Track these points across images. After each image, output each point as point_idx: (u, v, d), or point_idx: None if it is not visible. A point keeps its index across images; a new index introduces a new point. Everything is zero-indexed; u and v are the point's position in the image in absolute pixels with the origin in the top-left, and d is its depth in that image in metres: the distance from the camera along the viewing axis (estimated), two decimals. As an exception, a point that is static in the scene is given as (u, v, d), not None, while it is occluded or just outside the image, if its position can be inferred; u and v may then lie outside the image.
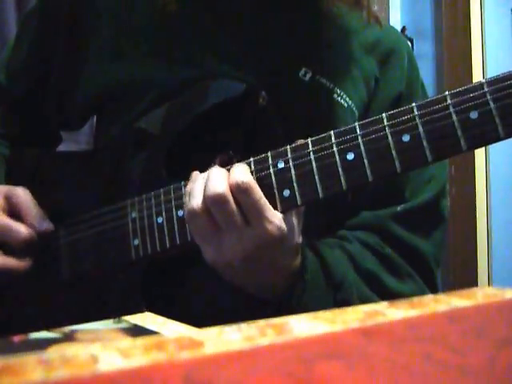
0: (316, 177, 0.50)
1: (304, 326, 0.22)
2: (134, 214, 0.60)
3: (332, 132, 0.50)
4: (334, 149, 0.50)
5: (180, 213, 0.57)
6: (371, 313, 0.24)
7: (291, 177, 0.51)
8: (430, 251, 0.67)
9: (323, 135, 0.51)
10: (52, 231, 0.64)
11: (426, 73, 2.15)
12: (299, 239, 0.54)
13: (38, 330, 0.38)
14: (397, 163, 0.47)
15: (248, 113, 0.61)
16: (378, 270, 0.63)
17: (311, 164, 0.50)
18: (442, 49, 2.18)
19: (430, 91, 2.10)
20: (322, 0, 0.68)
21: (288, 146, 0.52)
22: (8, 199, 0.64)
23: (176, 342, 0.19)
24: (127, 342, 0.19)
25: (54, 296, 0.67)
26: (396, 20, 2.21)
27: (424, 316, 0.24)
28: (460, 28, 2.15)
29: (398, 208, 0.66)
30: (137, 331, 0.39)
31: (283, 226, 0.50)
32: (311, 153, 0.51)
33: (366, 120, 0.49)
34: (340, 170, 0.49)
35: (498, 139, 0.45)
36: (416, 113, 0.47)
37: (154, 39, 0.66)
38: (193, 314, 0.60)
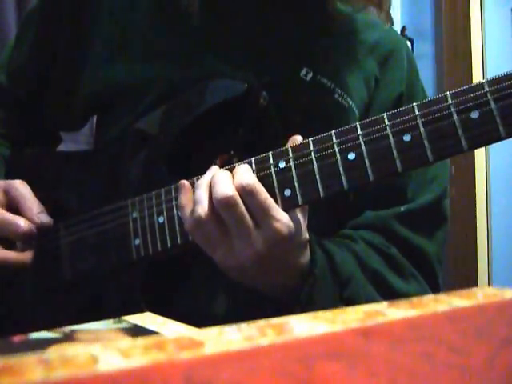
0: (317, 176, 0.50)
1: (304, 325, 0.22)
2: (134, 214, 0.60)
3: (333, 132, 0.50)
4: (335, 148, 0.50)
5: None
6: (371, 313, 0.24)
7: (292, 176, 0.51)
8: (434, 251, 0.67)
9: (324, 135, 0.51)
10: (51, 225, 0.63)
11: (426, 73, 2.15)
12: (306, 235, 0.54)
13: (38, 329, 0.38)
14: (398, 163, 0.47)
15: (249, 112, 0.61)
16: (383, 270, 0.63)
17: (312, 164, 0.50)
18: (442, 49, 2.18)
19: (430, 91, 2.10)
20: (324, 0, 0.68)
21: (289, 146, 0.52)
22: (6, 193, 0.64)
23: (176, 342, 0.19)
24: (127, 342, 0.19)
25: (55, 296, 0.67)
26: (396, 20, 2.21)
27: (424, 316, 0.24)
28: (460, 28, 2.15)
29: (402, 208, 0.66)
30: (137, 331, 0.39)
31: (291, 223, 0.50)
32: (312, 152, 0.51)
33: (367, 120, 0.50)
34: (341, 169, 0.49)
35: (499, 139, 0.45)
36: (417, 113, 0.47)
37: (154, 39, 0.66)
38: (193, 313, 0.60)
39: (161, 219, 0.58)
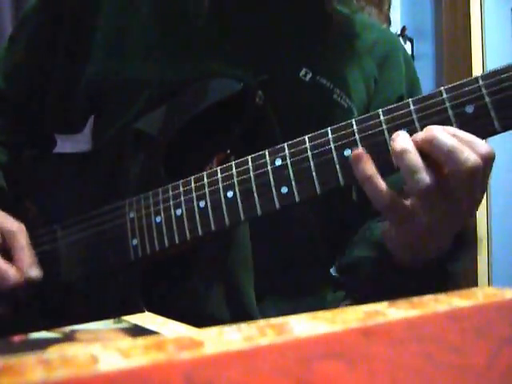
0: (313, 173, 0.50)
1: (304, 326, 0.22)
2: (132, 214, 0.60)
3: (329, 128, 0.50)
4: (331, 145, 0.50)
5: (178, 212, 0.56)
6: (371, 313, 0.24)
7: (289, 174, 0.51)
8: None
9: (320, 132, 0.51)
10: (40, 278, 0.62)
11: (426, 73, 2.15)
12: None
13: (38, 330, 0.38)
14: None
15: (245, 112, 0.61)
16: None
17: (308, 161, 0.50)
18: (442, 49, 2.18)
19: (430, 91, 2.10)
20: (326, 1, 0.68)
21: (285, 143, 0.52)
22: (3, 237, 0.62)
23: (176, 342, 0.19)
24: (127, 342, 0.19)
25: (53, 296, 0.67)
26: (396, 20, 2.21)
27: (424, 316, 0.24)
28: (460, 28, 2.15)
29: None
30: (137, 331, 0.39)
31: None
32: (308, 149, 0.51)
33: (363, 116, 0.50)
34: (337, 166, 0.49)
35: (494, 132, 0.46)
36: (412, 108, 0.47)
37: (152, 39, 0.66)
38: (193, 313, 0.60)
39: (158, 219, 0.58)
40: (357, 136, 0.49)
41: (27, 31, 0.73)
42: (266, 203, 0.52)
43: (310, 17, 0.69)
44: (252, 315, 0.60)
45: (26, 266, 0.61)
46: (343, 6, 0.70)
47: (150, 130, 0.63)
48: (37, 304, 0.68)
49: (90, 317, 0.43)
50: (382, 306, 0.25)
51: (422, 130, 0.47)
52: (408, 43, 2.20)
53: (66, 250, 0.66)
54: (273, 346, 0.19)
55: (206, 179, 0.55)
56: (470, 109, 0.46)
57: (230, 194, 0.54)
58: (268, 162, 0.52)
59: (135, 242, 0.59)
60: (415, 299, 0.26)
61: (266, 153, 0.52)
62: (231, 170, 0.54)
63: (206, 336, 0.20)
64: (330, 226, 0.70)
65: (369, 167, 0.47)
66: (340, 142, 0.49)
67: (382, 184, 0.47)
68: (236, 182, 0.53)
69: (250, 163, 0.53)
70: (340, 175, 0.49)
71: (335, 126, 0.50)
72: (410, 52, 2.14)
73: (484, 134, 0.46)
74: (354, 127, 0.49)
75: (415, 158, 0.45)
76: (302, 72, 0.65)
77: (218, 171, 0.55)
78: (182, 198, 0.56)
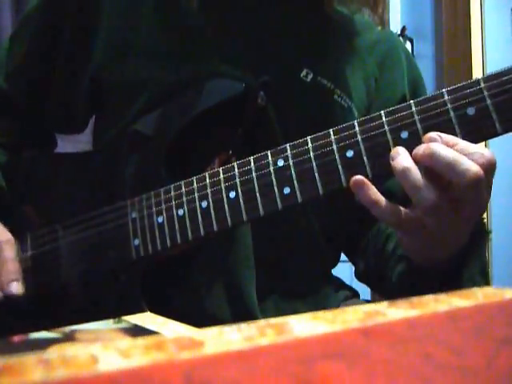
0: (316, 174, 0.50)
1: (304, 325, 0.22)
2: (133, 214, 0.60)
3: (331, 130, 0.51)
4: (334, 146, 0.50)
5: (180, 212, 0.56)
6: (371, 313, 0.24)
7: (291, 174, 0.51)
8: None
9: (322, 133, 0.51)
10: (20, 295, 0.62)
11: (426, 73, 2.15)
12: None
13: (38, 330, 0.38)
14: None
15: (247, 112, 0.61)
16: None
17: (311, 161, 0.51)
18: (442, 49, 2.18)
19: (430, 91, 2.10)
20: (325, 2, 0.68)
21: (287, 144, 0.52)
22: None
23: (176, 342, 0.19)
24: (127, 342, 0.19)
25: (54, 296, 0.67)
26: (396, 20, 2.22)
27: (424, 316, 0.24)
28: (460, 28, 2.15)
29: None
30: (137, 331, 0.39)
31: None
32: (311, 150, 0.51)
33: (365, 117, 0.50)
34: (339, 167, 0.50)
35: (495, 134, 0.46)
36: (414, 109, 0.48)
37: (153, 39, 0.66)
38: (193, 313, 0.60)
39: (160, 219, 0.58)
40: (359, 137, 0.49)
41: (29, 31, 0.73)
42: (269, 204, 0.52)
43: (310, 17, 0.69)
44: (253, 315, 0.60)
45: (7, 281, 0.61)
46: (343, 6, 0.70)
47: (148, 132, 0.63)
48: (37, 304, 0.68)
49: (91, 316, 0.43)
50: (381, 306, 0.25)
51: (423, 131, 0.47)
52: (408, 43, 2.20)
53: (67, 250, 0.66)
54: (273, 346, 0.19)
55: (208, 179, 0.55)
56: (471, 111, 0.46)
57: (232, 194, 0.54)
58: (270, 162, 0.52)
59: (137, 241, 0.59)
60: (415, 299, 0.26)
61: (269, 153, 0.53)
62: (233, 170, 0.54)
63: (206, 336, 0.20)
64: (331, 226, 0.70)
65: (372, 193, 0.48)
66: (342, 143, 0.50)
67: (388, 206, 0.48)
68: (238, 183, 0.54)
69: (252, 164, 0.53)
70: (342, 176, 0.49)
71: (337, 128, 0.50)
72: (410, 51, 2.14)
73: (485, 136, 0.47)
74: (357, 128, 0.49)
75: (417, 177, 0.46)
76: (303, 73, 0.65)
77: (221, 172, 0.55)
78: (185, 198, 0.56)
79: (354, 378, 0.17)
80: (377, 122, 0.49)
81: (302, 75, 0.65)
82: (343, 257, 0.78)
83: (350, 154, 0.49)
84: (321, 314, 0.24)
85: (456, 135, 0.46)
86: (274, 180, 0.52)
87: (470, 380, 0.18)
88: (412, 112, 0.48)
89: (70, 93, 0.72)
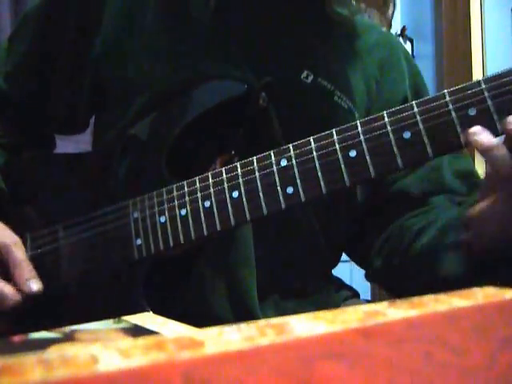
0: (319, 173, 0.51)
1: (304, 325, 0.22)
2: (136, 214, 0.60)
3: (334, 130, 0.51)
4: (336, 146, 0.50)
5: (183, 212, 0.57)
6: (371, 313, 0.24)
7: (294, 174, 0.51)
8: None
9: (325, 133, 0.51)
10: (41, 291, 0.60)
11: (426, 73, 2.15)
12: None
13: (38, 330, 0.38)
14: (398, 159, 0.48)
15: (249, 113, 0.61)
16: None
17: (314, 161, 0.51)
18: (442, 49, 2.18)
19: (430, 91, 2.10)
20: (326, 3, 0.68)
21: (290, 145, 0.52)
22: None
23: (176, 342, 0.19)
24: (127, 342, 0.19)
25: (56, 297, 0.67)
26: (396, 20, 2.21)
27: (424, 316, 0.24)
28: (460, 28, 2.15)
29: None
30: (137, 331, 0.39)
31: None
32: (314, 150, 0.51)
33: (367, 118, 0.50)
34: (342, 166, 0.50)
35: (496, 135, 0.46)
36: (416, 110, 0.48)
37: (155, 39, 0.66)
38: (193, 313, 0.60)
39: (162, 219, 0.58)
40: (362, 137, 0.49)
41: (29, 31, 0.73)
42: (272, 203, 0.52)
43: (310, 19, 0.69)
44: (255, 314, 0.60)
45: (25, 280, 0.60)
46: (343, 7, 0.70)
47: (143, 136, 0.63)
48: (38, 304, 0.68)
49: (92, 317, 0.43)
50: (381, 306, 0.25)
51: (426, 131, 0.47)
52: (408, 43, 2.20)
53: (68, 250, 0.66)
54: (273, 346, 0.19)
55: (211, 179, 0.56)
56: (472, 112, 0.46)
57: (235, 194, 0.54)
58: (273, 162, 0.52)
59: (139, 241, 0.60)
60: (415, 299, 0.26)
61: (272, 153, 0.53)
62: (236, 170, 0.54)
63: (206, 336, 0.20)
64: (332, 226, 0.70)
65: (490, 137, 0.46)
66: (345, 143, 0.50)
67: (505, 152, 0.47)
68: (241, 182, 0.54)
69: (255, 164, 0.53)
70: (346, 175, 0.50)
71: (340, 128, 0.51)
72: (409, 52, 2.14)
73: None
74: (359, 128, 0.50)
75: (504, 152, 0.46)
76: (304, 74, 0.65)
77: (223, 171, 0.55)
78: (187, 198, 0.57)
79: (354, 378, 0.17)
80: (379, 123, 0.49)
81: (302, 76, 0.65)
82: (343, 257, 0.78)
83: (352, 153, 0.50)
84: (321, 313, 0.24)
85: (458, 136, 0.47)
86: (277, 180, 0.52)
87: (470, 380, 0.18)
88: (414, 112, 0.48)
89: (71, 93, 0.72)
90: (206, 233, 0.55)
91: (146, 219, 0.59)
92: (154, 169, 0.61)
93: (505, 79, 0.46)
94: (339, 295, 0.73)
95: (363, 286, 0.78)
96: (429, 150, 0.48)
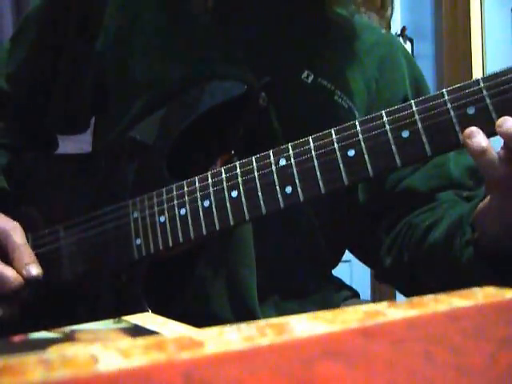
0: (317, 173, 0.51)
1: (304, 326, 0.22)
2: (135, 214, 0.60)
3: (332, 129, 0.51)
4: (335, 145, 0.50)
5: (182, 211, 0.57)
6: (371, 313, 0.24)
7: (293, 173, 0.51)
8: None
9: (324, 132, 0.51)
10: (40, 276, 0.60)
11: (426, 73, 2.14)
12: None
13: (38, 330, 0.38)
14: (397, 158, 0.48)
15: (249, 113, 0.61)
16: None
17: (313, 161, 0.51)
18: (442, 49, 2.18)
19: (431, 91, 2.10)
20: (325, 3, 0.68)
21: (289, 144, 0.52)
22: None
23: (176, 342, 0.19)
24: (127, 342, 0.19)
25: (56, 296, 0.67)
26: (396, 20, 2.21)
27: (424, 316, 0.24)
28: (460, 28, 2.15)
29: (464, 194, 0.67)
30: (137, 331, 0.39)
31: None
32: (312, 149, 0.51)
33: (366, 117, 0.50)
34: (341, 166, 0.50)
35: (495, 134, 0.46)
36: (414, 109, 0.48)
37: (156, 39, 0.67)
38: (193, 313, 0.60)
39: (162, 218, 0.58)
40: (360, 136, 0.49)
41: (31, 32, 0.73)
42: (271, 202, 0.52)
43: (310, 19, 0.69)
44: (254, 314, 0.60)
45: (25, 264, 0.59)
46: (342, 8, 0.70)
47: (148, 140, 0.63)
48: (38, 304, 0.68)
49: (92, 316, 0.43)
50: (381, 306, 0.25)
51: (424, 131, 0.47)
52: (408, 43, 2.20)
53: (69, 250, 0.66)
54: (273, 346, 0.19)
55: (210, 179, 0.56)
56: (471, 110, 0.46)
57: (234, 193, 0.54)
58: (272, 161, 0.52)
59: (139, 241, 0.60)
60: (415, 299, 0.26)
61: (271, 153, 0.53)
62: (235, 169, 0.54)
63: (206, 336, 0.20)
64: (332, 226, 0.70)
65: (483, 140, 0.46)
66: (344, 143, 0.50)
67: (495, 155, 0.47)
68: (240, 182, 0.54)
69: (254, 163, 0.53)
70: (344, 174, 0.50)
71: (339, 127, 0.51)
72: (409, 52, 2.14)
73: (486, 135, 0.47)
74: (358, 128, 0.50)
75: (495, 156, 0.46)
76: (304, 74, 0.65)
77: (223, 171, 0.55)
78: (187, 198, 0.57)
79: (354, 378, 0.17)
80: (378, 122, 0.49)
81: (302, 76, 0.65)
82: (343, 257, 0.78)
83: (351, 153, 0.50)
84: (321, 314, 0.24)
85: (457, 134, 0.47)
86: (275, 179, 0.52)
87: (470, 380, 0.18)
88: (413, 111, 0.48)
89: (73, 93, 0.72)
90: (205, 232, 0.55)
91: (145, 219, 0.59)
92: (157, 170, 0.61)
93: (503, 78, 0.46)
94: (339, 295, 0.73)
95: (363, 286, 0.78)
96: (427, 148, 0.48)
